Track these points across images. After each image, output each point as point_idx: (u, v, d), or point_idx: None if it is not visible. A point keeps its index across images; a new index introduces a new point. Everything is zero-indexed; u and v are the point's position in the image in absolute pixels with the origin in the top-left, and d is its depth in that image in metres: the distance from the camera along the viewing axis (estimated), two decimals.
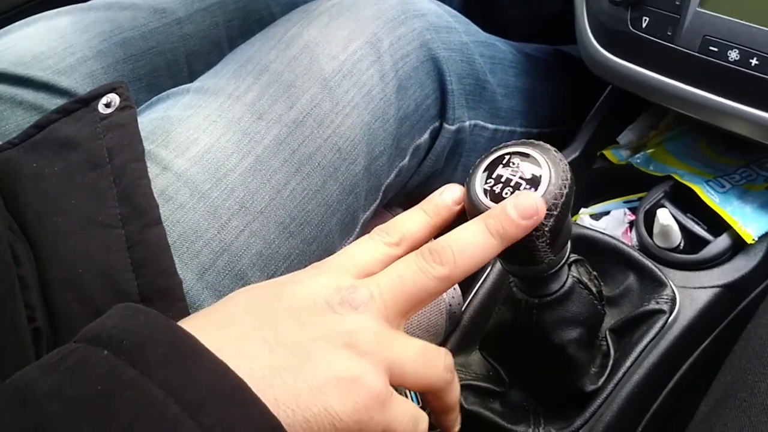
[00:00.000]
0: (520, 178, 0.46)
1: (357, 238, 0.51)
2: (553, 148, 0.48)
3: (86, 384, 0.34)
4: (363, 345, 0.41)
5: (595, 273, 0.60)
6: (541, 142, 0.48)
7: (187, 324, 0.39)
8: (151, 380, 0.34)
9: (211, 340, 0.37)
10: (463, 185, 0.49)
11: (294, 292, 0.43)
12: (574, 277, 0.55)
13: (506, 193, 0.46)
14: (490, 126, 0.85)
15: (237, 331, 0.40)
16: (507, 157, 0.47)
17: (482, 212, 0.45)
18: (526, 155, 0.47)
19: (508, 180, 0.46)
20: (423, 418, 0.44)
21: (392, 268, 0.44)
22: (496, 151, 0.49)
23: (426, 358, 0.44)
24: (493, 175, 0.47)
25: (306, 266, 0.64)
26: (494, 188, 0.46)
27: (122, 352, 0.35)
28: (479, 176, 0.48)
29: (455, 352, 0.67)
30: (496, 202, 0.46)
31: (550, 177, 0.46)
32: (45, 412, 0.32)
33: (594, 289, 0.58)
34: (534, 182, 0.46)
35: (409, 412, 0.43)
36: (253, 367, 0.38)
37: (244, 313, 0.42)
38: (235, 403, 0.35)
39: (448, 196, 0.49)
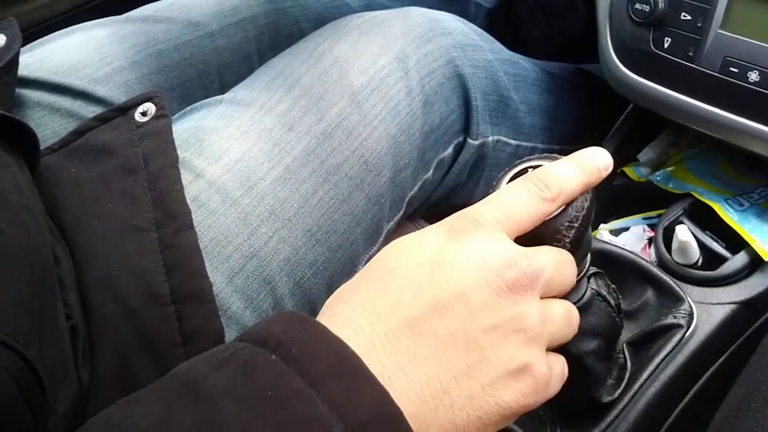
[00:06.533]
0: None
1: (381, 248, 0.50)
2: None
3: (257, 386, 0.34)
4: (532, 329, 0.40)
5: (613, 286, 0.60)
6: (563, 157, 0.49)
7: (349, 328, 0.39)
8: (317, 393, 0.34)
9: (376, 362, 0.37)
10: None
11: (464, 263, 0.41)
12: (593, 289, 0.55)
13: None
14: (513, 142, 0.86)
15: (406, 343, 0.39)
16: (530, 170, 0.48)
17: None
18: None
19: None
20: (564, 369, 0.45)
21: (554, 250, 0.44)
22: (519, 164, 0.50)
23: (570, 319, 0.45)
24: None
25: (331, 275, 0.66)
26: None
27: (291, 359, 0.35)
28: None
29: None
30: None
31: None
32: (218, 408, 0.33)
33: (612, 302, 0.58)
34: None
35: (562, 375, 0.44)
36: (422, 390, 0.38)
37: (411, 303, 0.40)
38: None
39: (600, 160, 0.47)
